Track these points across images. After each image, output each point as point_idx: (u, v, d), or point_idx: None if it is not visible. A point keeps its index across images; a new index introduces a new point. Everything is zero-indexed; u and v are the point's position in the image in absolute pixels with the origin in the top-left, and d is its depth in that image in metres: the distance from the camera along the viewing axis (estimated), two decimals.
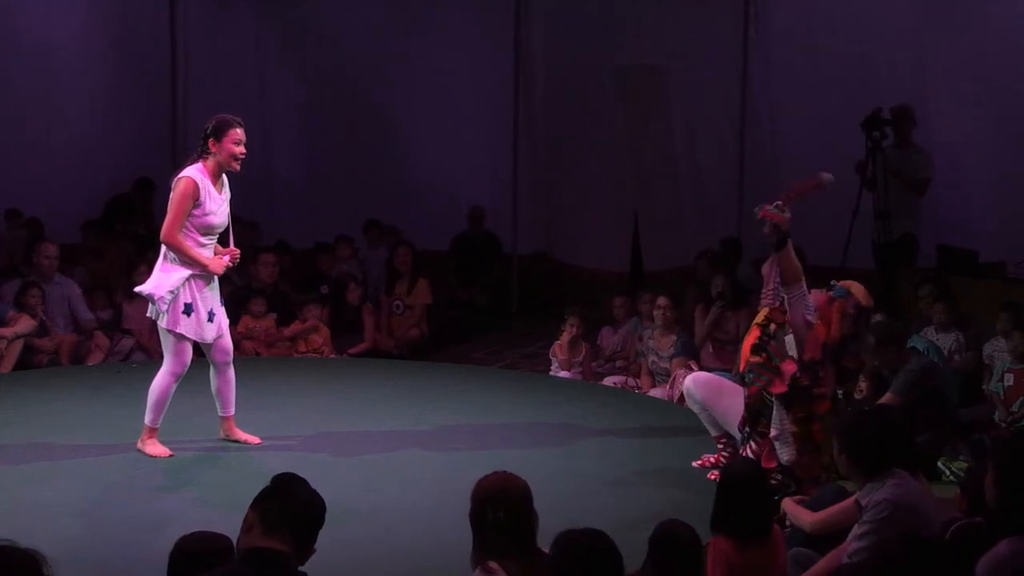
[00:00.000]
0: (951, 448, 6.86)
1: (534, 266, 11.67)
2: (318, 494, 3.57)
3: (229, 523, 3.70)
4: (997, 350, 7.73)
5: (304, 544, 3.47)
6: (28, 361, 8.53)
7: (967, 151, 10.00)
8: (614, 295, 9.58)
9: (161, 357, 6.43)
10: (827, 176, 5.89)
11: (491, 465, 4.09)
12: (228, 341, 6.47)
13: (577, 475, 6.25)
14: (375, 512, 5.70)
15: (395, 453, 6.57)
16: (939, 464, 6.66)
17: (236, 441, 6.57)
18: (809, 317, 5.72)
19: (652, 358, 8.58)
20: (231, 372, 6.47)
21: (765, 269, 6.00)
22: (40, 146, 11.10)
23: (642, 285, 10.37)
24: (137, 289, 6.39)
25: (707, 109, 10.99)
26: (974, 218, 9.95)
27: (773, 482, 5.52)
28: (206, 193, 6.14)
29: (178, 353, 6.25)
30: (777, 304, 5.86)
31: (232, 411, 6.57)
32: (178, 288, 6.15)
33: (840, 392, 6.04)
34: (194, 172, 6.15)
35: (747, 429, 5.88)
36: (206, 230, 6.21)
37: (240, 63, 11.88)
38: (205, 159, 6.19)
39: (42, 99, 11.14)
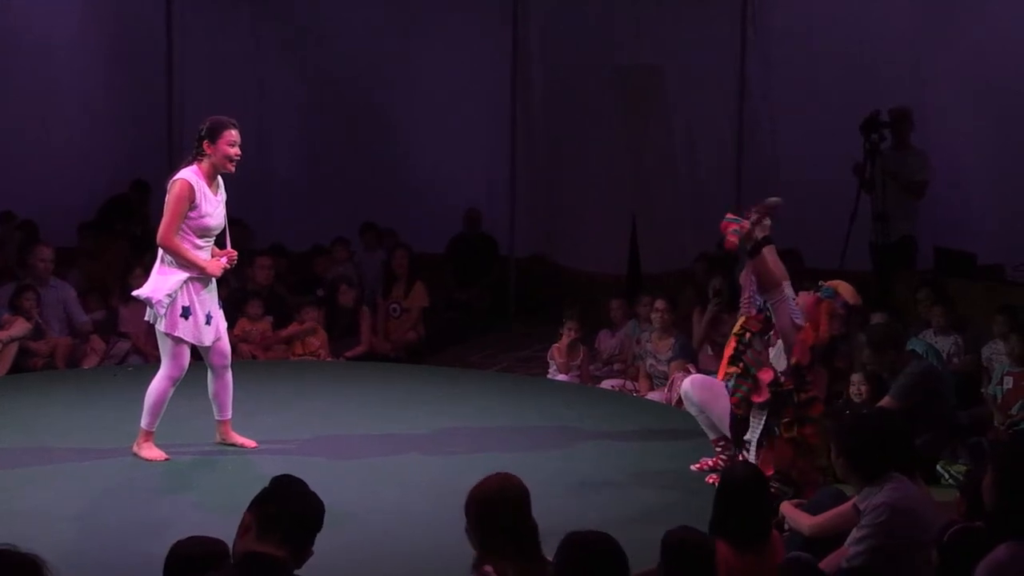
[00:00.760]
0: (950, 451, 6.87)
1: (532, 268, 11.66)
2: (316, 496, 3.57)
3: (225, 527, 3.71)
4: (996, 353, 7.74)
5: (301, 547, 3.47)
6: (23, 364, 8.52)
7: (966, 153, 10.02)
8: (612, 298, 9.58)
9: (158, 360, 6.43)
10: (774, 200, 5.93)
11: (489, 469, 4.09)
12: (226, 344, 6.48)
13: (575, 479, 6.25)
14: (373, 515, 5.70)
15: (392, 457, 6.57)
16: (938, 467, 6.68)
17: (233, 445, 6.57)
18: (797, 320, 5.73)
19: (650, 361, 8.58)
20: (229, 376, 6.48)
21: (742, 277, 6.02)
22: (35, 147, 11.10)
23: (640, 288, 10.38)
24: (135, 293, 6.39)
25: (706, 110, 10.99)
26: (972, 220, 9.97)
27: (772, 489, 5.53)
28: (201, 195, 6.15)
29: (176, 356, 6.25)
30: (753, 312, 5.87)
31: (229, 415, 6.57)
32: (176, 291, 6.15)
33: (840, 394, 6.04)
34: (189, 174, 6.16)
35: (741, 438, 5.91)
36: (202, 232, 6.21)
37: (237, 63, 11.87)
38: (200, 161, 6.19)
39: (38, 100, 11.13)
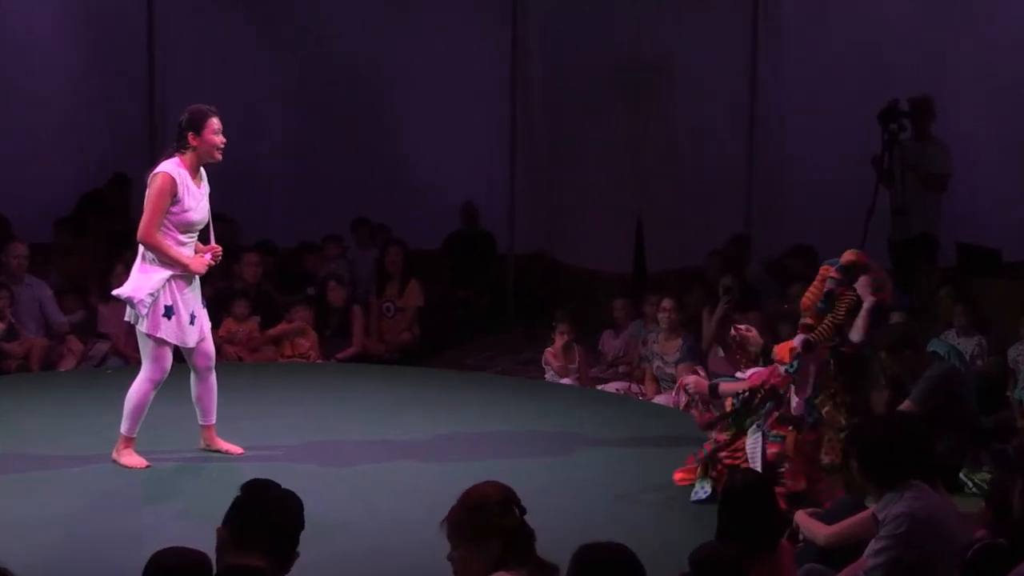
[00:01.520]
0: (973, 458, 6.85)
1: (531, 266, 11.65)
2: (292, 496, 3.53)
3: (209, 539, 3.68)
4: (1022, 355, 7.72)
5: (285, 552, 3.44)
6: None
7: (989, 144, 9.99)
8: (615, 297, 9.57)
9: (138, 362, 6.42)
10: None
11: (486, 475, 4.08)
12: (210, 345, 6.46)
13: (577, 487, 6.25)
14: (365, 525, 5.69)
15: (386, 464, 6.56)
16: (961, 475, 6.66)
17: (217, 451, 6.55)
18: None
19: (656, 363, 8.57)
20: (213, 378, 6.46)
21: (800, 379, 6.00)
22: (9, 139, 11.08)
23: (645, 286, 10.37)
24: (115, 292, 6.37)
25: (711, 107, 10.98)
26: (996, 215, 9.94)
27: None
28: (184, 188, 6.13)
29: (157, 359, 6.23)
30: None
31: (213, 420, 6.56)
32: (158, 290, 6.13)
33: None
34: (171, 167, 6.14)
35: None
36: (186, 227, 6.20)
37: (222, 52, 11.83)
38: (183, 153, 6.17)
39: (12, 91, 11.11)
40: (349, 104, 11.81)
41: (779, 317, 8.68)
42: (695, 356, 8.47)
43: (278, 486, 3.53)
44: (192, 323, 6.26)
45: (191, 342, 6.29)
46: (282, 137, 12.11)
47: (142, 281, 6.16)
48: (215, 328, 6.65)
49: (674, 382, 8.30)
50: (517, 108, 11.52)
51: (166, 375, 6.28)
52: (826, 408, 5.85)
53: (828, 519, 5.03)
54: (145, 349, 6.25)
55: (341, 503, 5.90)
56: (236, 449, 6.58)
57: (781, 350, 5.87)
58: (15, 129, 11.10)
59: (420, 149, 11.70)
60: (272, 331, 9.25)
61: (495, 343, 10.53)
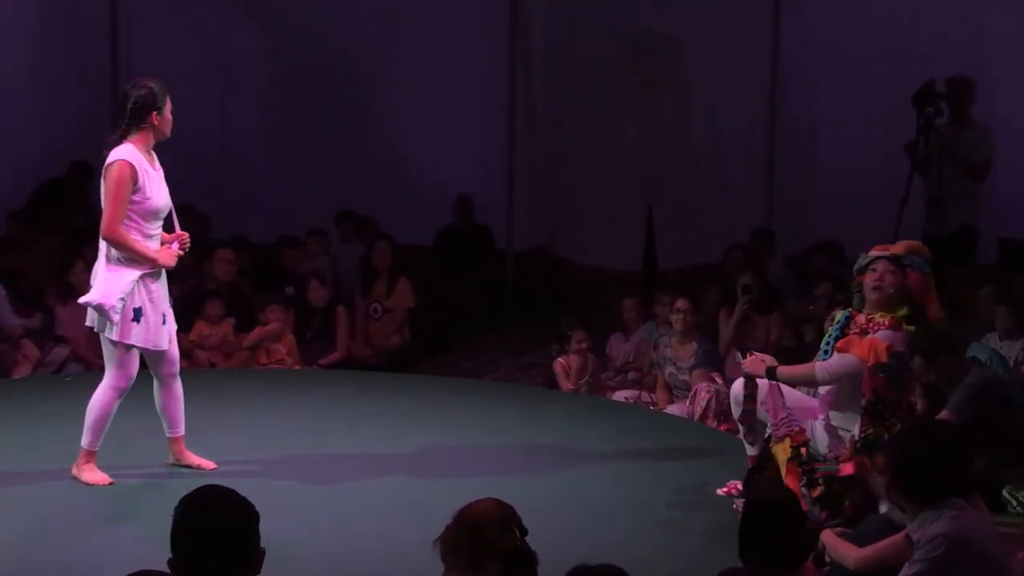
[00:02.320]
0: (1018, 475, 6.83)
1: (532, 263, 11.65)
2: (237, 502, 3.47)
3: None
4: None
5: (245, 560, 3.42)
6: None
7: None
8: (623, 297, 9.57)
9: (101, 369, 6.40)
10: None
11: (483, 492, 4.07)
12: (175, 349, 6.43)
13: (583, 503, 6.25)
14: (349, 548, 5.68)
15: (371, 480, 6.55)
16: (1004, 493, 6.64)
17: (187, 466, 6.54)
18: (833, 367, 5.85)
19: (669, 369, 8.57)
20: (178, 386, 6.44)
21: (768, 404, 6.04)
22: None
23: (657, 285, 10.36)
24: (82, 300, 6.27)
25: (732, 85, 10.99)
26: None
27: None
28: (144, 174, 6.10)
29: (123, 365, 6.21)
30: (796, 429, 5.91)
31: (181, 431, 6.54)
32: (128, 293, 6.10)
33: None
34: (127, 153, 6.11)
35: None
36: (151, 216, 6.15)
37: (192, 29, 11.85)
38: (136, 134, 6.14)
39: None
40: (333, 87, 11.82)
41: (803, 319, 8.67)
42: (712, 361, 8.46)
43: (219, 499, 3.47)
44: (164, 323, 6.24)
45: (164, 344, 6.26)
46: (258, 123, 12.11)
47: (110, 285, 6.12)
48: (185, 331, 6.63)
49: (688, 390, 8.32)
50: (516, 90, 11.52)
51: (131, 382, 6.26)
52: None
53: (858, 540, 5.02)
54: (110, 354, 6.23)
55: (323, 523, 5.89)
56: (208, 464, 6.56)
57: (862, 347, 5.81)
58: None
59: (410, 135, 11.70)
60: (248, 339, 9.21)
61: (492, 346, 10.53)
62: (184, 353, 6.96)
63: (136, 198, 6.10)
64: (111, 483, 6.31)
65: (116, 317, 6.08)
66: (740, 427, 6.31)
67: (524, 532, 3.76)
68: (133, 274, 6.12)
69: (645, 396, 8.69)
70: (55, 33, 11.55)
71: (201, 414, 6.87)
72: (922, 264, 5.99)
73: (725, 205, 11.05)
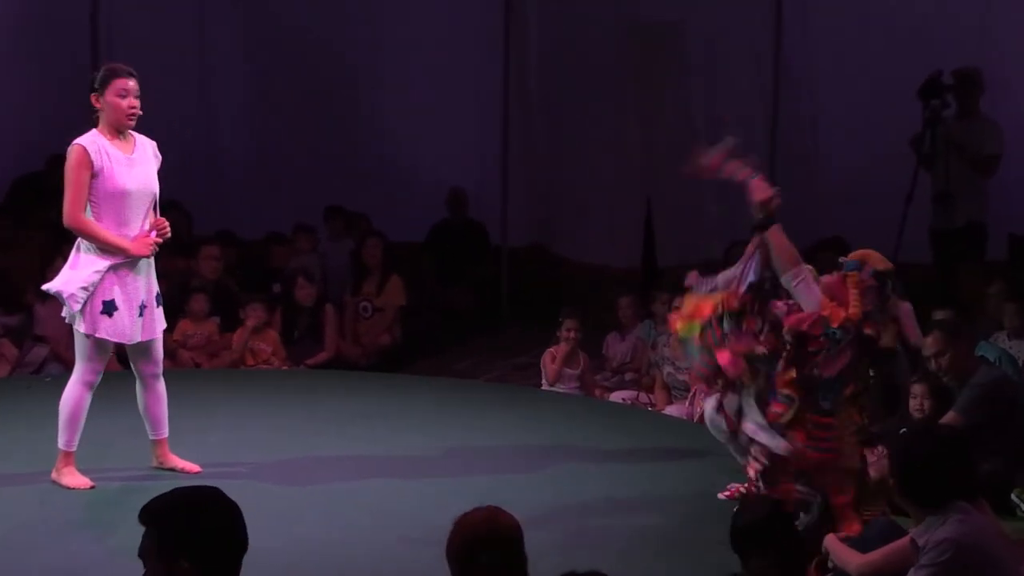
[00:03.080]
0: None
1: (527, 261, 11.66)
2: (215, 502, 3.46)
3: None
4: None
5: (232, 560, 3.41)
6: None
7: None
8: (620, 295, 9.57)
9: None
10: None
11: (476, 496, 4.08)
12: (159, 348, 6.42)
13: (579, 508, 6.24)
14: (338, 554, 5.67)
15: (361, 483, 6.55)
16: (1012, 497, 6.66)
17: (171, 469, 6.53)
18: (807, 288, 5.82)
19: (668, 369, 8.57)
20: (161, 386, 6.43)
21: (748, 250, 6.06)
22: None
23: (656, 283, 10.36)
24: (45, 287, 6.33)
25: (733, 76, 10.99)
26: None
27: (797, 494, 5.62)
28: (103, 156, 6.06)
29: (92, 359, 6.20)
30: (740, 291, 5.92)
31: (165, 433, 6.53)
32: (94, 283, 6.09)
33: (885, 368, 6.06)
34: (86, 137, 6.11)
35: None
36: (119, 200, 6.09)
37: (175, 21, 11.85)
38: (102, 120, 6.15)
39: None
40: (322, 80, 11.81)
41: None
42: None
43: (190, 508, 3.46)
44: (141, 315, 6.21)
45: (140, 337, 6.23)
46: (245, 117, 12.11)
47: (75, 273, 6.12)
48: (168, 330, 6.61)
49: (687, 390, 8.33)
50: (511, 80, 11.51)
51: (100, 376, 6.24)
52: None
53: (862, 545, 5.03)
54: (80, 347, 6.21)
55: (311, 528, 5.89)
56: (192, 467, 6.56)
57: (835, 311, 5.82)
58: None
59: (402, 128, 11.70)
60: (235, 343, 9.18)
61: (487, 346, 10.54)
62: (167, 353, 6.95)
63: (95, 182, 6.08)
64: (92, 487, 6.30)
65: (77, 307, 6.07)
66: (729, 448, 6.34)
67: (509, 550, 3.75)
68: (101, 264, 6.09)
69: (643, 397, 8.70)
70: (33, 25, 11.53)
71: (185, 416, 6.88)
72: (850, 266, 5.96)
73: (727, 200, 11.03)
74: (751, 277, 5.96)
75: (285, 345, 9.38)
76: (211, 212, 11.21)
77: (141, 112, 6.19)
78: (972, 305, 8.54)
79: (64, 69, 11.40)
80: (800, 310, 5.84)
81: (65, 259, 6.36)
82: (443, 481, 6.53)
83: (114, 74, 6.15)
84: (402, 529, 5.89)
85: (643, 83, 11.23)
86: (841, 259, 6.02)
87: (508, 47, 11.47)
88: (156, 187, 6.27)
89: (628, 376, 9.10)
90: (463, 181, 11.65)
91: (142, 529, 5.56)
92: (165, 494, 3.49)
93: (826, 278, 5.96)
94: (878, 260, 5.95)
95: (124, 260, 6.14)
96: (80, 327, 6.14)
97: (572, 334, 8.70)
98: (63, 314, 6.28)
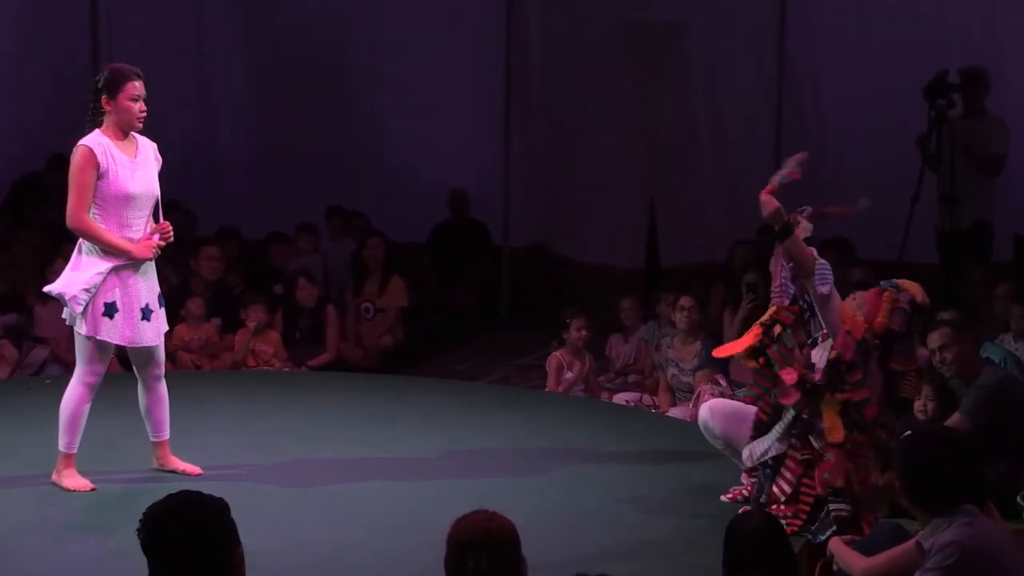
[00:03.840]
0: None
1: (529, 261, 11.65)
2: (204, 506, 3.46)
3: None
4: None
5: (226, 565, 3.41)
6: None
7: None
8: (622, 296, 9.58)
9: None
10: (865, 203, 6.26)
11: (477, 499, 4.08)
12: (161, 350, 6.43)
13: (582, 510, 6.24)
14: (338, 556, 5.67)
15: (362, 485, 6.55)
16: (1019, 500, 6.65)
17: (172, 471, 6.53)
18: (824, 289, 5.82)
19: (672, 371, 8.57)
20: (163, 388, 6.44)
21: (772, 264, 6.14)
22: None
23: (659, 284, 10.36)
24: (46, 289, 6.34)
25: (738, 73, 10.99)
26: None
27: (834, 510, 5.63)
28: (108, 158, 6.09)
29: (92, 360, 6.21)
30: (786, 302, 5.99)
31: (166, 435, 6.54)
32: (95, 285, 6.10)
33: (902, 402, 6.11)
34: (91, 138, 6.12)
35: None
36: (123, 203, 6.12)
37: (176, 21, 11.85)
38: (106, 121, 6.16)
39: None
40: (321, 78, 11.81)
41: None
42: (716, 362, 8.45)
43: (178, 515, 3.45)
44: (146, 319, 6.23)
45: (145, 340, 6.24)
46: (245, 116, 12.11)
47: (76, 274, 6.13)
48: (167, 333, 6.61)
49: (691, 392, 8.33)
50: (513, 79, 11.51)
51: (101, 378, 6.25)
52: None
53: (867, 548, 5.03)
54: (81, 349, 6.22)
55: (312, 531, 5.89)
56: (193, 469, 6.56)
57: (856, 324, 5.84)
58: None
59: (402, 128, 11.71)
60: (237, 347, 9.18)
61: (488, 348, 10.54)
62: (168, 355, 6.96)
63: (101, 184, 6.09)
64: (93, 489, 6.31)
65: (79, 308, 6.08)
66: (726, 453, 6.36)
67: (504, 553, 3.76)
68: (103, 266, 6.11)
69: (647, 399, 8.70)
70: (34, 25, 11.54)
71: (186, 417, 6.88)
72: (888, 284, 6.05)
73: (730, 200, 11.04)
74: (790, 289, 5.99)
75: (286, 346, 9.39)
76: (212, 213, 11.21)
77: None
78: (978, 306, 8.53)
79: (64, 69, 11.42)
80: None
81: (66, 260, 6.38)
82: (444, 483, 6.53)
83: (126, 77, 6.16)
84: (403, 531, 5.90)
85: (645, 83, 11.23)
86: (883, 282, 6.08)
87: (510, 47, 11.47)
88: (158, 190, 6.29)
89: (631, 378, 9.10)
90: (464, 181, 11.65)
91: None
92: (151, 509, 3.49)
93: (860, 293, 6.04)
94: (918, 292, 6.01)
95: (126, 262, 6.16)
96: (81, 329, 6.16)
97: (582, 332, 8.69)
98: (64, 316, 6.29)
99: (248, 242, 11.10)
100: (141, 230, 6.22)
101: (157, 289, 6.34)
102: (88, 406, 6.26)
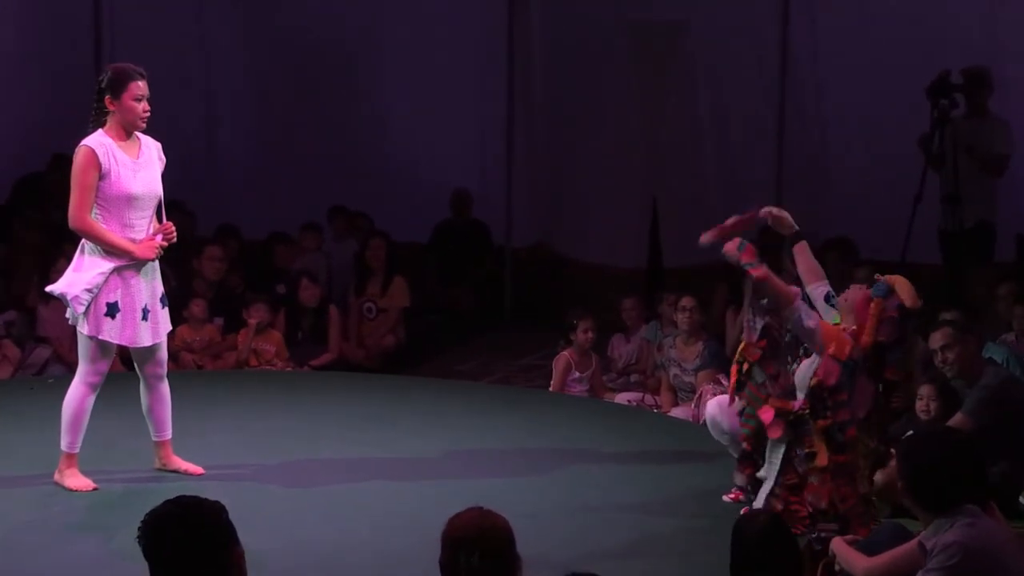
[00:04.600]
0: None
1: (531, 261, 11.65)
2: (202, 508, 3.46)
3: None
4: None
5: (226, 565, 3.43)
6: None
7: None
8: (624, 296, 9.58)
9: None
10: (767, 209, 6.38)
11: (478, 499, 4.08)
12: (163, 350, 6.44)
13: (583, 509, 6.25)
14: (339, 556, 5.68)
15: (363, 485, 6.56)
16: (1021, 500, 6.66)
17: (174, 471, 6.55)
18: (810, 323, 5.80)
19: (674, 371, 8.57)
20: (165, 387, 6.44)
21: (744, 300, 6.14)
22: None
23: (661, 284, 10.36)
24: (49, 288, 6.35)
25: (740, 73, 10.98)
26: None
27: (818, 533, 5.62)
28: (111, 159, 6.10)
29: (95, 360, 6.21)
30: (754, 338, 5.96)
31: (169, 435, 6.55)
32: (98, 285, 6.11)
33: (898, 411, 6.09)
34: (93, 138, 6.14)
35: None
36: (125, 203, 6.13)
37: (178, 20, 11.85)
38: (109, 121, 6.16)
39: None
40: (323, 78, 11.80)
41: None
42: (718, 362, 8.46)
43: (176, 518, 3.46)
44: (146, 319, 6.23)
45: (146, 341, 6.25)
46: (247, 115, 12.11)
47: (79, 274, 6.14)
48: (169, 335, 6.61)
49: (693, 392, 8.34)
50: (515, 78, 11.51)
51: (103, 378, 6.26)
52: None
53: (869, 549, 5.02)
54: (83, 349, 6.23)
55: (313, 531, 5.89)
56: (195, 469, 6.57)
57: (841, 345, 5.80)
58: None
59: (404, 127, 11.70)
60: (239, 347, 9.18)
61: (490, 348, 10.53)
62: (170, 356, 6.97)
63: (103, 184, 6.10)
64: (95, 488, 6.32)
65: (81, 308, 6.09)
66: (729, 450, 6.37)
67: (496, 550, 3.76)
68: (105, 266, 6.12)
69: (649, 399, 8.70)
70: (37, 24, 11.54)
71: (188, 417, 6.88)
72: (879, 290, 5.91)
73: (733, 200, 11.02)
74: (758, 323, 5.98)
75: (289, 346, 9.40)
76: (214, 213, 11.21)
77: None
78: (981, 306, 8.53)
79: (66, 69, 11.42)
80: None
81: (68, 260, 6.39)
82: (446, 483, 6.53)
83: (130, 77, 6.16)
84: (404, 531, 5.90)
85: (647, 83, 11.21)
86: (877, 276, 6.03)
87: (512, 47, 11.47)
88: (160, 190, 6.29)
89: (633, 378, 9.11)
90: (466, 181, 11.64)
91: None
92: (148, 516, 3.50)
93: (852, 293, 5.97)
94: (908, 294, 5.92)
95: (129, 262, 6.17)
96: (83, 329, 6.16)
97: (589, 334, 8.70)
98: (67, 316, 6.30)
99: (249, 242, 11.10)
100: (144, 230, 6.23)
101: (160, 289, 6.34)
102: (90, 406, 6.27)
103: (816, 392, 5.80)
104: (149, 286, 6.27)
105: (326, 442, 7.25)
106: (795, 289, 5.94)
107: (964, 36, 9.97)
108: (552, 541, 5.47)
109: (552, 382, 8.75)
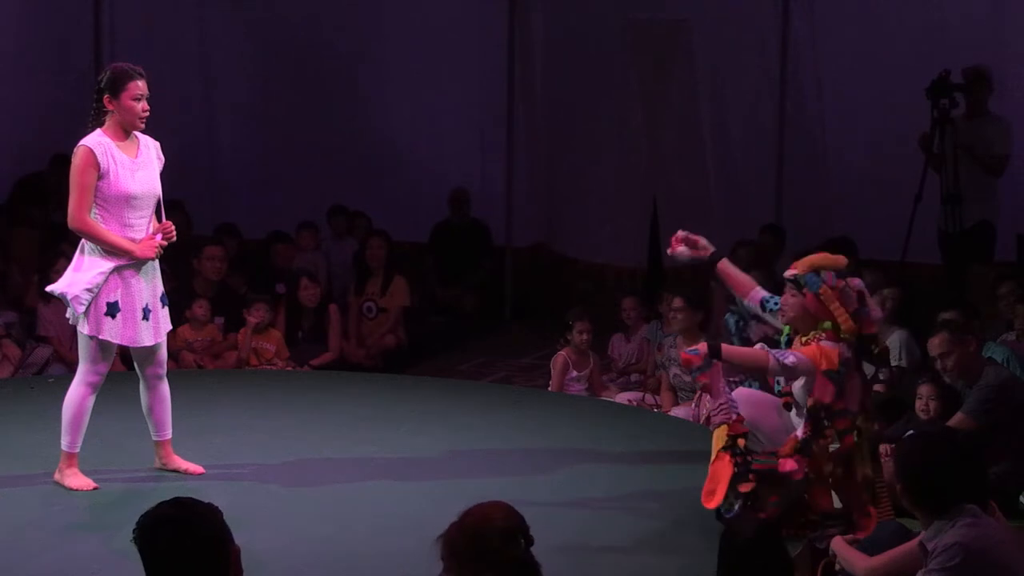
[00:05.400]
0: None
1: (531, 261, 11.65)
2: (195, 510, 3.47)
3: None
4: None
5: (222, 565, 3.43)
6: None
7: None
8: (624, 296, 9.58)
9: None
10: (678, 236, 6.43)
11: (478, 499, 4.07)
12: (163, 350, 6.44)
13: (584, 509, 6.25)
14: (339, 556, 5.68)
15: (364, 485, 6.56)
16: (1022, 499, 6.66)
17: (174, 471, 6.55)
18: (790, 360, 5.77)
19: (674, 370, 8.57)
20: (165, 387, 6.44)
21: (710, 385, 6.02)
22: None
23: (662, 283, 10.36)
24: (49, 288, 6.35)
25: (741, 73, 10.99)
26: None
27: (827, 530, 5.64)
28: (109, 159, 6.09)
29: (95, 360, 6.21)
30: (734, 416, 5.89)
31: (169, 434, 6.55)
32: (98, 284, 6.11)
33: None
34: (92, 138, 6.13)
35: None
36: (124, 203, 6.13)
37: (177, 19, 11.85)
38: (108, 120, 6.17)
39: None
40: (322, 77, 11.80)
41: None
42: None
43: (171, 521, 3.46)
44: (146, 319, 6.23)
45: (146, 340, 6.25)
46: (246, 114, 12.11)
47: (79, 274, 6.15)
48: (170, 336, 6.61)
49: (693, 392, 8.33)
50: (515, 78, 11.51)
51: (103, 378, 6.26)
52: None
53: (869, 548, 5.03)
54: (83, 348, 6.23)
55: (314, 530, 5.89)
56: (195, 468, 6.57)
57: (828, 355, 5.78)
58: None
59: (404, 126, 11.71)
60: (240, 346, 9.18)
61: (491, 347, 10.54)
62: (171, 355, 6.97)
63: (101, 184, 6.10)
64: (95, 488, 6.32)
65: (81, 308, 6.09)
66: None
67: (530, 542, 3.74)
68: (105, 265, 6.12)
69: (649, 398, 8.70)
70: (36, 24, 11.54)
71: (188, 416, 6.88)
72: (814, 282, 5.83)
73: (733, 200, 11.05)
74: (735, 405, 5.94)
75: (289, 346, 9.40)
76: (210, 212, 11.22)
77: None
78: (981, 306, 8.53)
79: (66, 69, 11.43)
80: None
81: (68, 260, 6.39)
82: (447, 483, 6.53)
83: (129, 76, 6.16)
84: (404, 531, 5.89)
85: (649, 82, 11.22)
86: (787, 274, 5.95)
87: (512, 45, 11.47)
88: (159, 190, 6.29)
89: (634, 377, 9.11)
90: (466, 181, 11.64)
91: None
92: (142, 521, 3.50)
93: (787, 299, 5.91)
94: (828, 260, 5.88)
95: (129, 262, 6.17)
96: (84, 328, 6.17)
97: (585, 336, 8.70)
98: (67, 315, 6.30)
99: (248, 242, 11.10)
100: (143, 230, 6.23)
101: (160, 289, 6.34)
102: (91, 405, 6.27)
103: (814, 412, 5.79)
104: (149, 286, 6.27)
105: (326, 442, 7.25)
106: (757, 347, 5.92)
107: (964, 36, 9.98)
108: (552, 541, 5.46)
109: (551, 382, 8.76)
